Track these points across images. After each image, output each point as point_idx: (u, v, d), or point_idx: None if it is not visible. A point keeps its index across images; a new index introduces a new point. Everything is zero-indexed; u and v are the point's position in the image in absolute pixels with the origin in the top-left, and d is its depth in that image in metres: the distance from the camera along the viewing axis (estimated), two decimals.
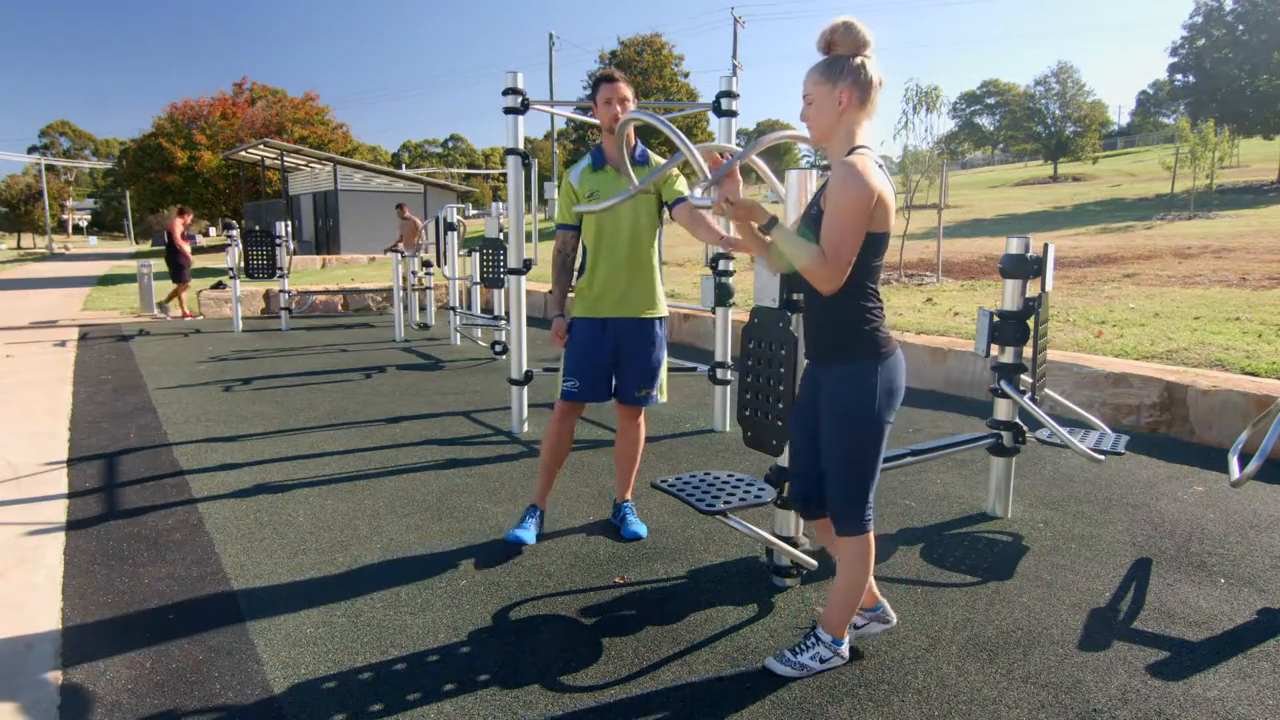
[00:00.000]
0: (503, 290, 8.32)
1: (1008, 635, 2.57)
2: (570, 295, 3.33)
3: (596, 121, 3.30)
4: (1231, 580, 2.96)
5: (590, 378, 3.25)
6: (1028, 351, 3.51)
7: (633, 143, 3.26)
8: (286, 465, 4.49)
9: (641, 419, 3.39)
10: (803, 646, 2.36)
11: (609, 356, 3.25)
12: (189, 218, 12.57)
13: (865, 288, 2.15)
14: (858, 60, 2.06)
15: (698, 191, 2.24)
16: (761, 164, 2.97)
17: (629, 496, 3.50)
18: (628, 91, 3.20)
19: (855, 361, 2.17)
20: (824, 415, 2.23)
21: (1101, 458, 3.36)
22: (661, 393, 3.34)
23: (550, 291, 3.35)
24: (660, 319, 3.32)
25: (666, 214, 3.29)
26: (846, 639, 2.38)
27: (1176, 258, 13.22)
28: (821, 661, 2.34)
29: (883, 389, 2.16)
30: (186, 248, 12.10)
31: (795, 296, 2.67)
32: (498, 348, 7.97)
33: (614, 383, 3.31)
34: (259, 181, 33.79)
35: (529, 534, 3.32)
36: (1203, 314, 7.37)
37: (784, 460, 2.79)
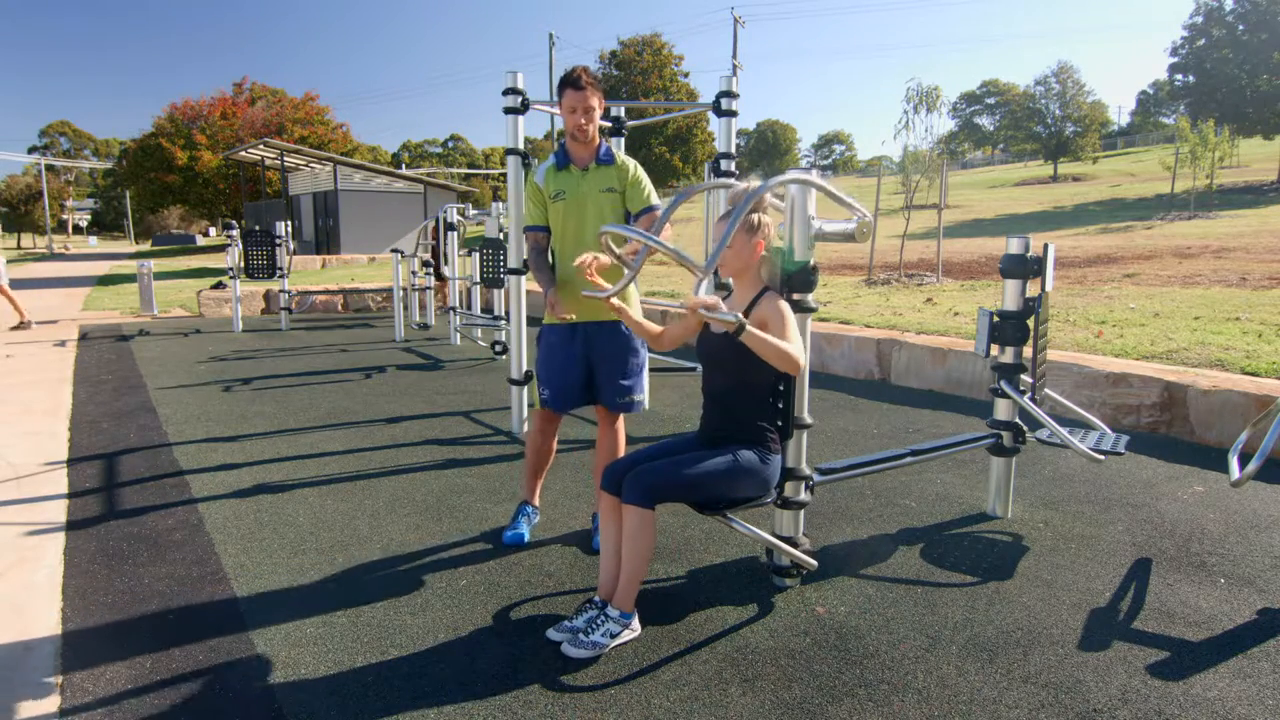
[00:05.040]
0: (503, 290, 8.33)
1: (1008, 635, 2.57)
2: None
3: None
4: (1231, 580, 2.96)
5: (560, 386, 3.20)
6: (1028, 351, 3.51)
7: (597, 142, 3.19)
8: (286, 465, 4.49)
9: (620, 424, 3.31)
10: (594, 625, 2.48)
11: (581, 363, 3.19)
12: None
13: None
14: (768, 218, 2.61)
15: (701, 291, 2.35)
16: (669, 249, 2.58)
17: None
18: (594, 100, 3.09)
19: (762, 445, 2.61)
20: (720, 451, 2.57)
21: (1101, 458, 3.36)
22: (644, 396, 3.29)
23: (541, 287, 3.31)
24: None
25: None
26: (635, 613, 2.55)
27: (1176, 258, 13.22)
28: (612, 637, 2.48)
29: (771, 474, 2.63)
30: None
31: (795, 296, 2.68)
32: (498, 348, 7.98)
33: (593, 388, 3.24)
34: (259, 181, 33.76)
35: (523, 532, 3.36)
36: (1203, 314, 7.37)
37: (787, 460, 2.79)
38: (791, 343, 2.41)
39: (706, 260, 2.42)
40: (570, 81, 3.07)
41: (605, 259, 2.74)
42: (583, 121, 3.08)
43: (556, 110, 3.33)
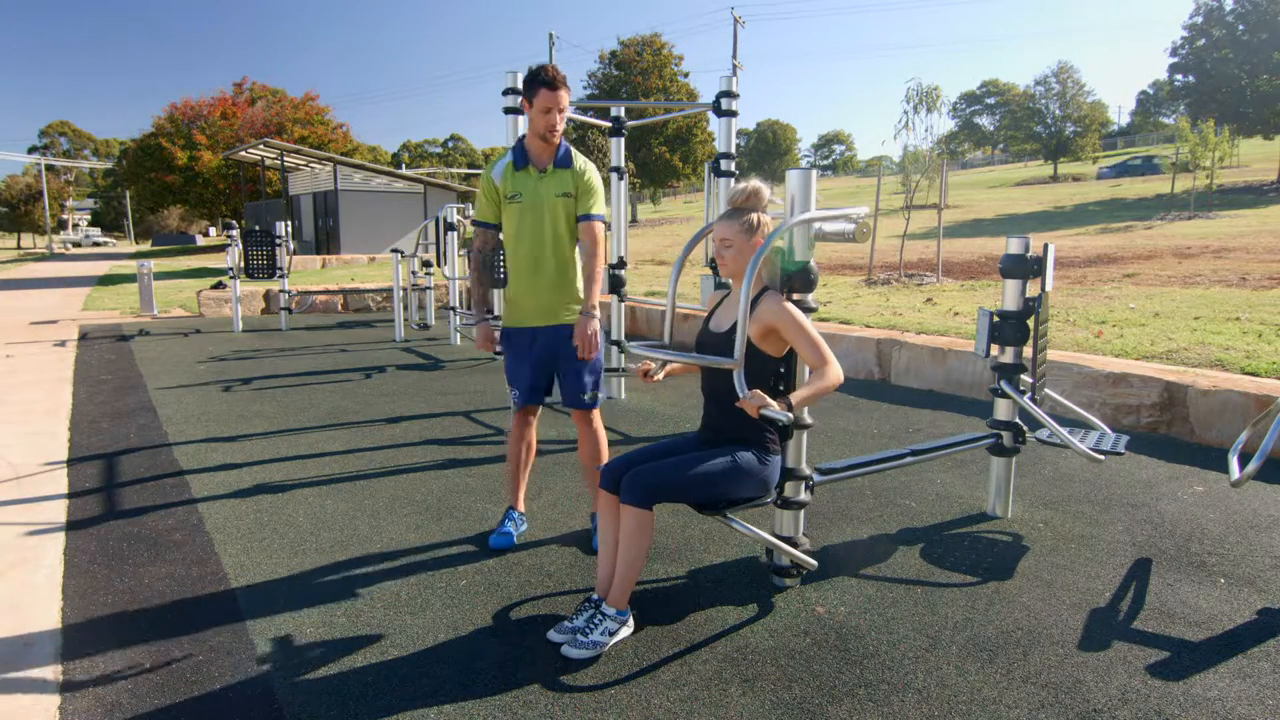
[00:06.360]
0: (503, 290, 8.32)
1: (1008, 635, 2.57)
2: (497, 294, 3.32)
3: (597, 122, 3.27)
4: (1231, 580, 2.96)
5: (527, 387, 3.26)
6: (1028, 351, 3.51)
7: (557, 141, 3.13)
8: (286, 465, 4.49)
9: (596, 421, 3.32)
10: (592, 625, 2.49)
11: (544, 365, 3.24)
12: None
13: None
14: (767, 217, 2.66)
15: (741, 382, 2.41)
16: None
17: None
18: (566, 100, 3.06)
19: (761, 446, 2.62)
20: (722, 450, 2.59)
21: (1101, 458, 3.36)
22: (604, 392, 3.30)
23: (471, 292, 3.36)
24: None
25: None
26: (629, 610, 2.56)
27: (1176, 258, 13.22)
28: (610, 635, 2.49)
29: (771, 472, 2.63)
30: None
31: (795, 296, 2.68)
32: (497, 348, 7.98)
33: (556, 385, 3.29)
34: (259, 181, 33.75)
35: (510, 537, 3.33)
36: (1203, 314, 7.36)
37: (787, 460, 2.79)
38: (826, 363, 2.45)
39: (735, 353, 2.45)
40: (545, 81, 3.00)
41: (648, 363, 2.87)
42: (556, 122, 3.05)
43: None
